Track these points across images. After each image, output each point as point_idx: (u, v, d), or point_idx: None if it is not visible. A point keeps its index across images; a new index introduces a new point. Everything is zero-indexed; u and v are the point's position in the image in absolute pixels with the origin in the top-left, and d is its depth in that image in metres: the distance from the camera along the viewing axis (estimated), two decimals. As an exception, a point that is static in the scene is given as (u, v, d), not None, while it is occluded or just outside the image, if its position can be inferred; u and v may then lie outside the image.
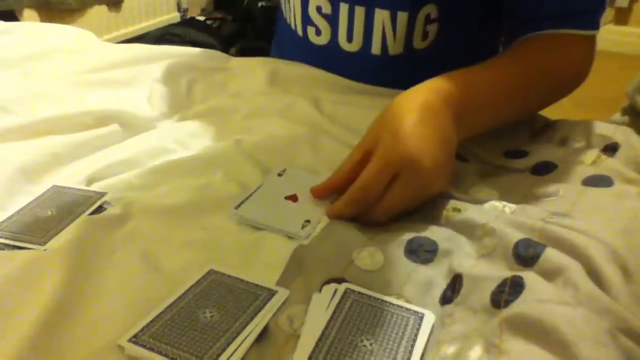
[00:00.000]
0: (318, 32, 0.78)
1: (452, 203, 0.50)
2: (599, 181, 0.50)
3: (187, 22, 3.06)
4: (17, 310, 0.40)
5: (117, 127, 0.66)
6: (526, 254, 0.42)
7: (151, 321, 0.39)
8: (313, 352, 0.36)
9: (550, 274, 0.40)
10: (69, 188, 0.55)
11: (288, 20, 0.83)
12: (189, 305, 0.40)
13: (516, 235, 0.44)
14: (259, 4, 3.03)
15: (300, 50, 0.82)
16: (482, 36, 0.82)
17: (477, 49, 0.84)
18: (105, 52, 0.88)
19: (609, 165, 0.53)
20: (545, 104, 0.66)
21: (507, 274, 0.40)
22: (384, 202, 0.49)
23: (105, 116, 0.67)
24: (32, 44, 0.91)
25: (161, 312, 0.39)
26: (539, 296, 0.37)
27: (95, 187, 0.55)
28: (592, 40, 0.66)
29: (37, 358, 0.37)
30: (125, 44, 0.93)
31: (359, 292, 0.41)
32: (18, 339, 0.37)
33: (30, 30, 0.98)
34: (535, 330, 0.35)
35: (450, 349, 0.37)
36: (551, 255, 0.41)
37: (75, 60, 0.85)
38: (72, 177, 0.57)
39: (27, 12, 2.46)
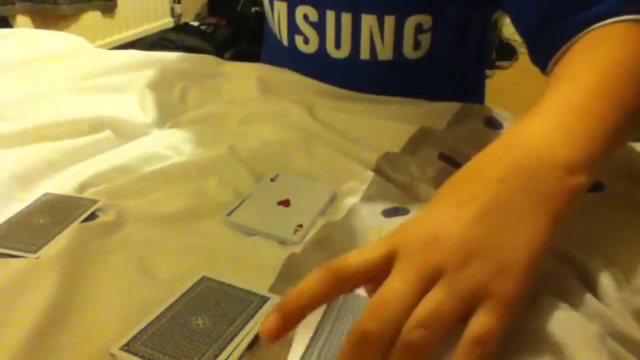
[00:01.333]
0: (306, 41, 0.78)
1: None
2: (590, 186, 0.51)
3: (181, 28, 3.06)
4: (10, 319, 0.40)
5: (110, 133, 0.66)
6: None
7: (143, 329, 0.39)
8: (304, 355, 0.36)
9: (543, 280, 0.40)
10: (61, 195, 0.55)
11: (274, 31, 0.83)
12: (181, 312, 0.40)
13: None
14: (253, 9, 3.03)
15: (287, 59, 0.82)
16: (480, 45, 0.83)
17: (477, 57, 0.85)
18: (98, 59, 0.88)
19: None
20: None
21: None
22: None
23: (98, 123, 0.67)
24: (25, 50, 0.91)
25: (153, 320, 0.39)
26: (533, 301, 0.37)
27: (89, 193, 0.55)
28: None
29: (29, 366, 0.37)
30: (119, 50, 0.94)
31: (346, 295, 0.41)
32: (11, 347, 0.37)
33: (23, 36, 0.98)
34: (528, 334, 0.35)
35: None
36: (545, 262, 0.41)
37: (69, 66, 0.85)
38: (66, 183, 0.57)
39: (20, 19, 2.45)
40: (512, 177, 0.36)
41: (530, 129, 0.40)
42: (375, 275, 0.34)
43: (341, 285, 0.34)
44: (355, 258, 0.34)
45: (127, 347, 0.37)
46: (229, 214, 0.52)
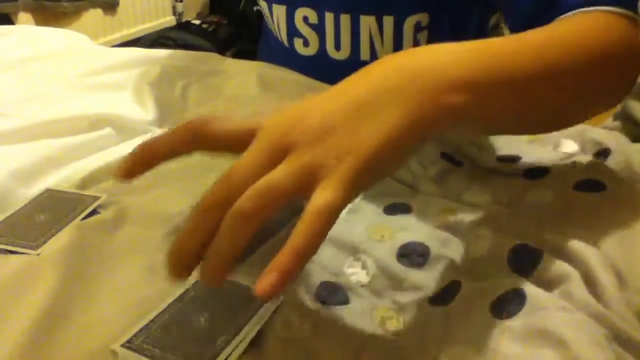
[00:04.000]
0: (306, 43, 0.77)
1: (444, 204, 0.50)
2: (591, 186, 0.51)
3: (182, 26, 3.05)
4: (11, 315, 0.40)
5: (111, 130, 0.66)
6: (523, 262, 0.42)
7: (145, 326, 0.39)
8: None
9: (548, 283, 0.40)
10: (62, 191, 0.55)
11: (274, 32, 0.83)
12: (184, 310, 0.40)
13: (511, 241, 0.44)
14: (255, 8, 3.03)
15: (287, 60, 0.81)
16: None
17: None
18: (100, 56, 0.88)
19: (601, 170, 0.53)
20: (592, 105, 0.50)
21: (506, 284, 0.40)
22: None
23: (99, 120, 0.67)
24: (27, 48, 0.91)
25: (155, 317, 0.39)
26: (540, 305, 0.37)
27: (90, 190, 0.55)
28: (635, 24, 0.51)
29: (30, 362, 0.37)
30: (121, 48, 0.93)
31: None
32: (11, 345, 0.37)
33: (25, 33, 0.98)
34: (536, 336, 0.35)
35: (446, 359, 0.37)
36: (548, 264, 0.41)
37: (70, 63, 0.85)
38: (66, 180, 0.57)
39: (22, 16, 2.45)
40: (392, 77, 0.37)
41: (433, 47, 0.40)
42: (236, 144, 0.36)
43: (197, 144, 0.37)
44: (219, 123, 0.37)
45: (129, 345, 0.37)
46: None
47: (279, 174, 0.33)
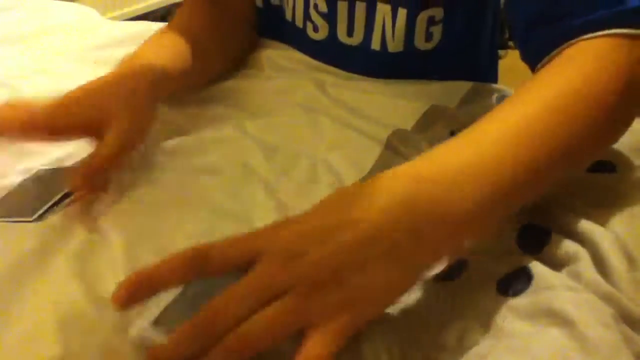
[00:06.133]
0: (315, 29, 0.76)
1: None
2: (601, 167, 0.50)
3: (191, 2, 3.03)
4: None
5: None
6: (531, 242, 0.42)
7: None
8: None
9: (557, 263, 0.40)
10: (57, 169, 0.55)
11: (285, 15, 0.81)
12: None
13: (520, 220, 0.44)
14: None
15: (296, 41, 0.80)
16: (492, 31, 0.81)
17: (490, 44, 0.83)
18: (109, 30, 0.88)
19: (611, 150, 0.53)
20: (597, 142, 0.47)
21: (513, 262, 0.40)
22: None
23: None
24: (35, 20, 0.91)
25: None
26: (547, 284, 0.37)
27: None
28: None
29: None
30: (129, 22, 0.93)
31: None
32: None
33: (33, 6, 0.97)
34: (542, 314, 0.35)
35: (452, 334, 0.37)
36: (557, 244, 0.41)
37: (79, 37, 0.85)
38: (73, 156, 0.57)
39: (31, -11, 2.44)
40: (399, 211, 0.35)
41: (440, 167, 0.38)
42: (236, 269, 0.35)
43: (196, 274, 0.35)
44: (218, 252, 0.35)
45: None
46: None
47: (280, 313, 0.33)
